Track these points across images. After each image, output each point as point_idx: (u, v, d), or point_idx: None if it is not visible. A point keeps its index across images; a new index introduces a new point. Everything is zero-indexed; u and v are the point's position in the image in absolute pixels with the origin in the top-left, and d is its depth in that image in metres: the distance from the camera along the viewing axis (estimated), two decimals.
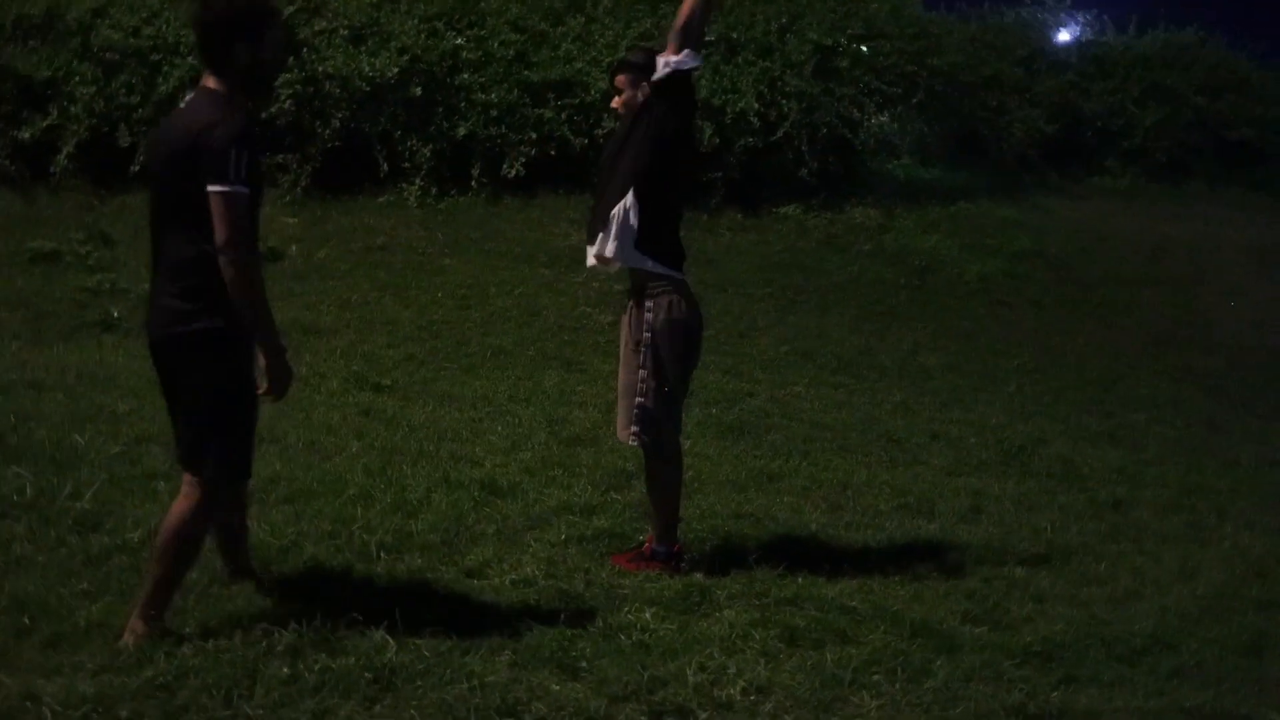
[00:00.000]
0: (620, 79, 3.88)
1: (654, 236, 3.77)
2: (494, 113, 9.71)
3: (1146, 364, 8.51)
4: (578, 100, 9.92)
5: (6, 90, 8.94)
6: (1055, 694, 3.20)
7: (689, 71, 3.79)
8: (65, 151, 8.78)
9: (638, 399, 3.79)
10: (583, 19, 10.64)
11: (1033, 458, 6.01)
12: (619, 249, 3.74)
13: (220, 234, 2.82)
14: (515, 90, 9.82)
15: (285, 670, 2.85)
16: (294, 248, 8.64)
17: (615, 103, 3.93)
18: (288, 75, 9.31)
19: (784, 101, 10.33)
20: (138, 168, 8.51)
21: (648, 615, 3.44)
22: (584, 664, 3.09)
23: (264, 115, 9.23)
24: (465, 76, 9.80)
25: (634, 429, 3.80)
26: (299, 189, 9.37)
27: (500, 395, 6.20)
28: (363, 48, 9.67)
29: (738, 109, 10.01)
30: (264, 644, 2.95)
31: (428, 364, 6.78)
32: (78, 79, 8.97)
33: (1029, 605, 3.90)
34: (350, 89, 9.38)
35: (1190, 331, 9.35)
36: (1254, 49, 14.79)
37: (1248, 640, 3.73)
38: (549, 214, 9.70)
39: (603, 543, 4.06)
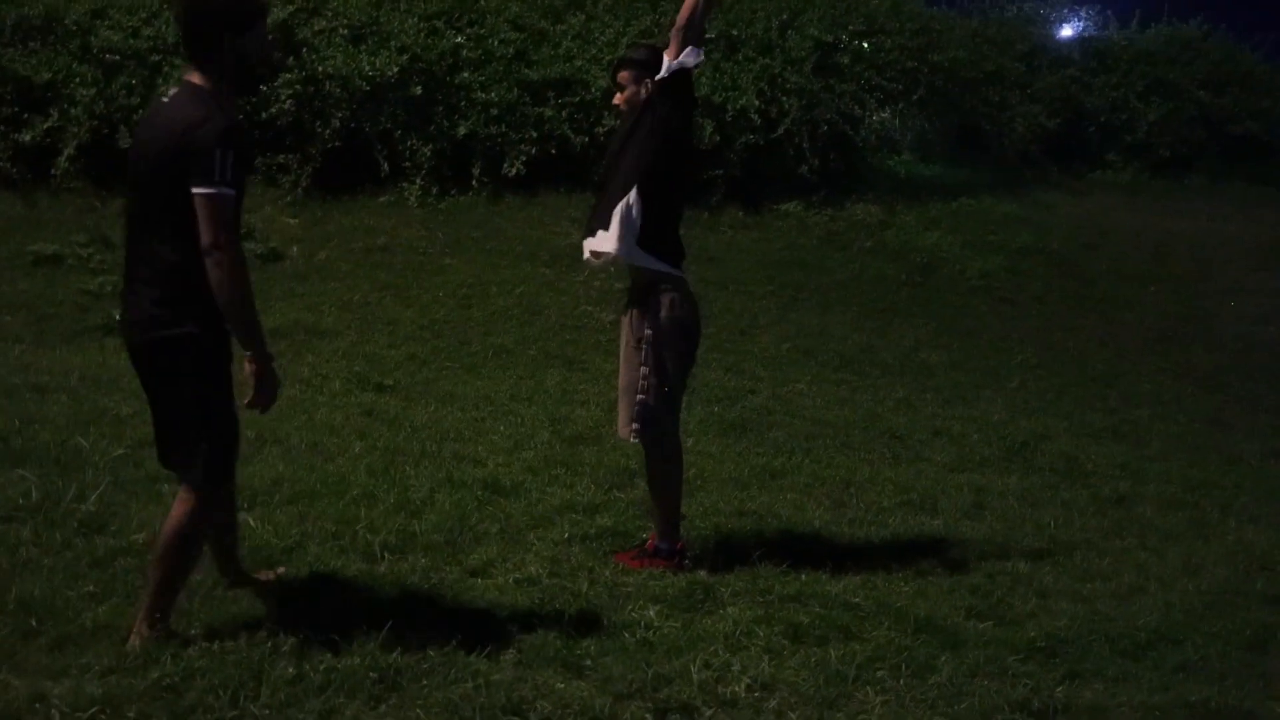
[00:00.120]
0: (623, 75, 3.88)
1: (656, 234, 3.77)
2: (494, 111, 9.70)
3: (1149, 360, 8.50)
4: (578, 98, 9.91)
5: (7, 93, 8.94)
6: (1059, 689, 3.21)
7: (692, 69, 3.80)
8: (66, 154, 8.78)
9: (639, 396, 3.79)
10: (583, 17, 10.63)
11: (1035, 454, 6.01)
12: (622, 246, 3.75)
13: (206, 235, 2.74)
14: (515, 89, 9.81)
15: (291, 670, 2.86)
16: (295, 248, 8.64)
17: (617, 99, 3.93)
18: (288, 75, 9.31)
19: (785, 98, 10.32)
20: None
21: (652, 613, 3.44)
22: (589, 662, 3.09)
23: (264, 116, 9.26)
24: (465, 75, 9.79)
25: (635, 426, 3.81)
26: (299, 189, 9.37)
27: (502, 394, 6.20)
28: (363, 47, 9.66)
29: (738, 106, 10.00)
30: (269, 645, 2.95)
31: (430, 364, 6.79)
32: (78, 81, 8.97)
33: (1033, 601, 3.90)
34: (350, 88, 9.38)
35: (1193, 327, 9.34)
36: (1258, 43, 14.78)
37: (1252, 635, 3.73)
38: (550, 213, 9.70)
39: (606, 541, 4.06)
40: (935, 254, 10.02)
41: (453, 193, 9.77)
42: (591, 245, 3.84)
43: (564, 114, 9.85)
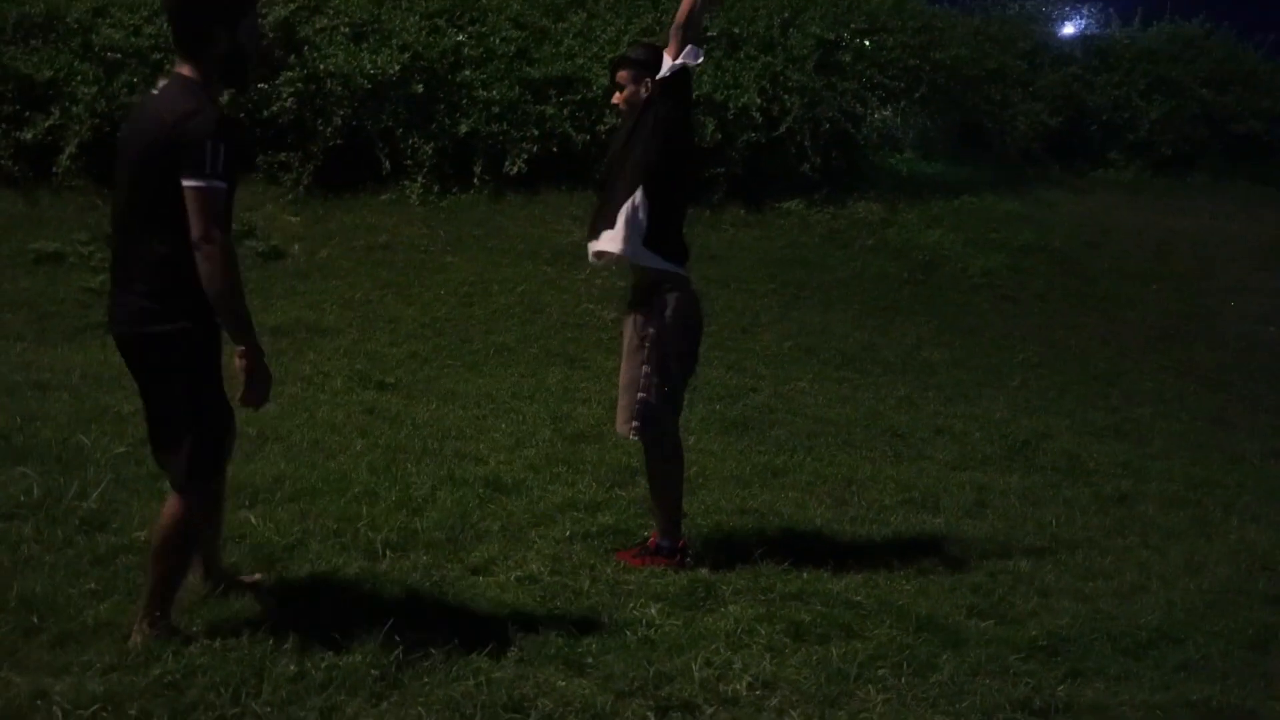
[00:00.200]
0: (622, 74, 3.88)
1: (660, 233, 3.77)
2: (496, 109, 9.69)
3: (1151, 358, 8.49)
4: (579, 97, 9.91)
5: (8, 91, 8.94)
6: (1061, 688, 3.21)
7: (692, 68, 3.80)
8: (68, 152, 8.78)
9: (639, 394, 3.79)
10: (584, 15, 10.62)
11: (1037, 452, 6.01)
12: (627, 246, 3.74)
13: (196, 228, 2.70)
14: (517, 87, 9.81)
15: (292, 668, 2.86)
16: (296, 246, 8.64)
17: (617, 99, 3.92)
18: (289, 73, 9.31)
19: (786, 96, 10.31)
20: None
21: (653, 611, 3.44)
22: (590, 660, 3.09)
23: (266, 114, 9.25)
24: (467, 73, 9.79)
25: (634, 424, 3.81)
26: (301, 187, 9.37)
27: (504, 392, 6.20)
28: (364, 45, 9.66)
29: (740, 104, 9.99)
30: (271, 642, 2.95)
31: (431, 362, 6.78)
32: (79, 79, 8.96)
33: (1034, 599, 3.90)
34: (352, 87, 9.37)
35: (1195, 326, 9.33)
36: (1261, 41, 14.74)
37: (1254, 634, 3.72)
38: (551, 211, 9.69)
39: (607, 539, 4.06)
40: (937, 252, 10.01)
41: (454, 191, 9.76)
42: (596, 246, 3.84)
43: (565, 112, 9.84)
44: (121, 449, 4.43)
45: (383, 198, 9.57)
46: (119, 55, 9.16)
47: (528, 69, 9.95)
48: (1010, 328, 8.81)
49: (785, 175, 10.47)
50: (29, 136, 8.83)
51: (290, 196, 9.32)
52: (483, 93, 9.70)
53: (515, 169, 9.68)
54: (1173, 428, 6.89)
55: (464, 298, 8.03)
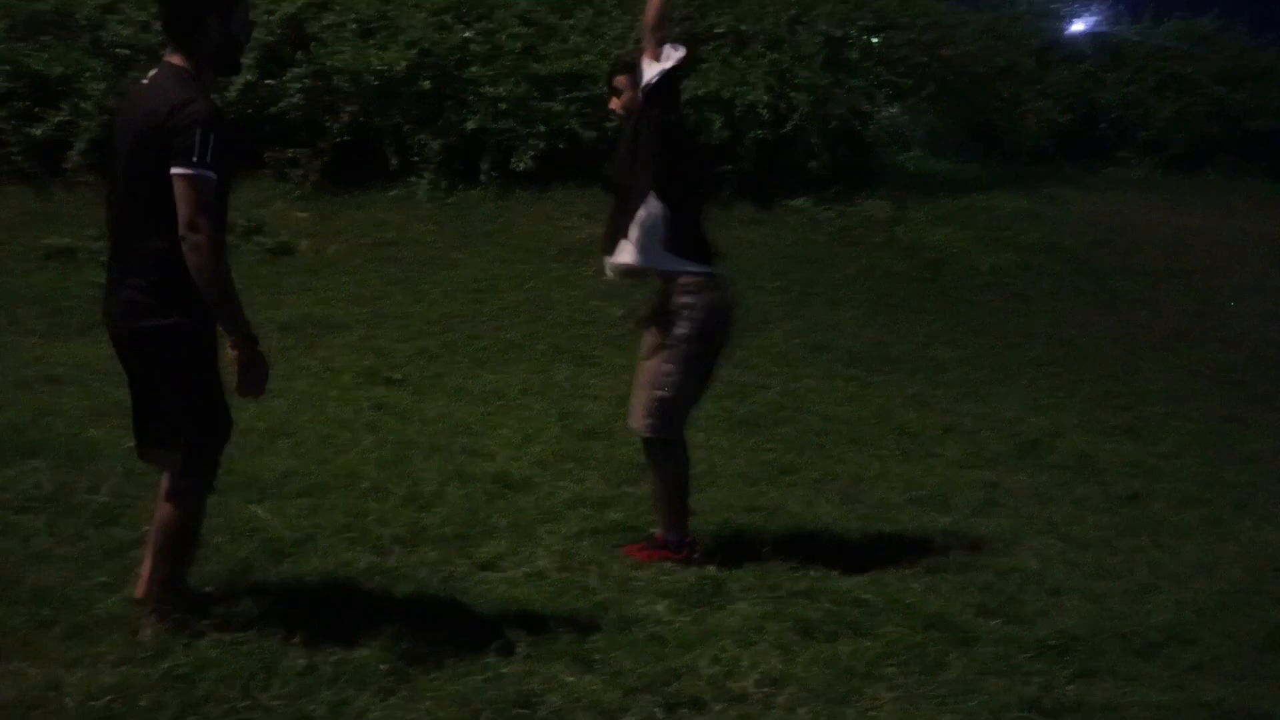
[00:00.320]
0: (619, 80, 3.87)
1: (681, 236, 3.76)
2: (503, 106, 9.69)
3: (1163, 357, 8.45)
4: (587, 93, 9.88)
5: (19, 87, 8.97)
6: (1071, 687, 3.19)
7: (678, 67, 3.77)
8: (78, 148, 8.80)
9: (659, 392, 3.78)
10: (591, 11, 10.60)
11: (1048, 451, 5.98)
12: (646, 255, 3.74)
13: (183, 217, 2.67)
14: (524, 83, 9.80)
15: (302, 662, 2.87)
16: (304, 242, 8.65)
17: (614, 104, 3.91)
18: (297, 69, 9.32)
19: (794, 94, 10.28)
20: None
21: (661, 608, 3.44)
22: (598, 656, 3.09)
23: (274, 110, 9.27)
24: (474, 70, 9.78)
25: (649, 420, 3.81)
26: (309, 183, 9.38)
27: (512, 389, 6.20)
28: (372, 41, 9.66)
29: (748, 101, 9.97)
30: (281, 636, 2.96)
31: (440, 358, 6.79)
32: (89, 75, 8.99)
33: (1044, 598, 3.88)
34: (360, 83, 9.37)
35: (1208, 325, 9.28)
36: (1275, 37, 14.62)
37: (1266, 635, 3.71)
38: (559, 207, 9.69)
39: (616, 536, 4.06)
40: (946, 250, 9.98)
41: (462, 187, 9.77)
42: (614, 259, 3.84)
43: (573, 108, 9.83)
44: (132, 443, 4.43)
45: (391, 194, 9.57)
46: (129, 51, 9.19)
47: (535, 65, 9.94)
48: (1020, 326, 8.78)
49: (793, 173, 10.43)
50: (40, 132, 8.86)
51: (298, 193, 9.33)
52: (490, 89, 9.69)
53: (523, 165, 9.67)
54: (1185, 427, 6.85)
55: (472, 294, 8.03)
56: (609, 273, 3.90)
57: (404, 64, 9.43)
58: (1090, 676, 3.29)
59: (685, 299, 3.77)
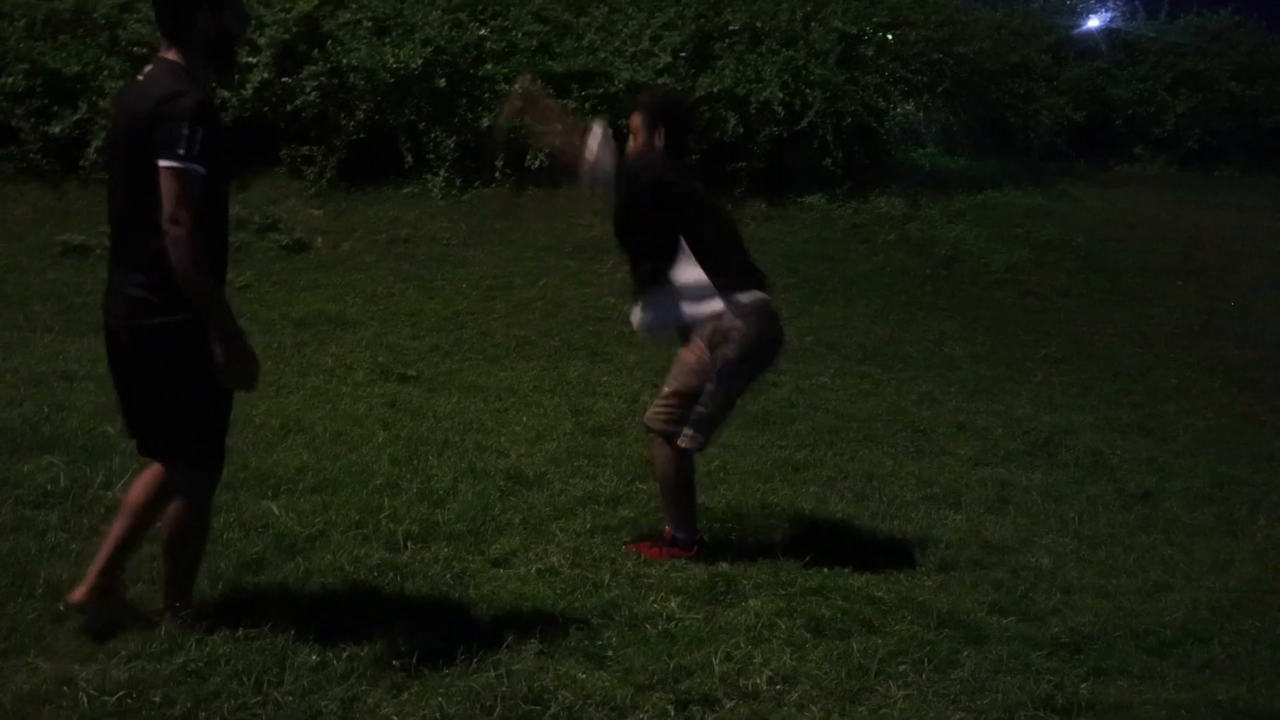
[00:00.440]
0: (634, 119, 3.87)
1: (713, 270, 3.75)
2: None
3: (1177, 355, 8.40)
4: (601, 91, 9.89)
5: (37, 85, 9.03)
6: (1084, 686, 3.18)
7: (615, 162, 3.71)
8: (94, 145, 8.85)
9: (699, 408, 3.78)
10: (606, 9, 10.60)
11: (1060, 448, 5.96)
12: (671, 313, 3.79)
13: (166, 209, 2.63)
14: (539, 81, 9.79)
15: (314, 658, 2.88)
16: (319, 239, 8.69)
17: (630, 146, 3.88)
18: (313, 67, 9.35)
19: (808, 90, 10.25)
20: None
21: (673, 605, 3.44)
22: (610, 653, 3.09)
23: (289, 107, 9.30)
24: (489, 67, 9.80)
25: (690, 433, 3.80)
26: (324, 181, 9.42)
27: (525, 386, 6.22)
28: (387, 39, 9.69)
29: (762, 98, 9.95)
30: (293, 631, 2.97)
31: (453, 355, 6.81)
32: (106, 73, 9.05)
33: (1057, 596, 3.87)
34: (375, 80, 9.40)
35: (1222, 322, 9.22)
36: None
37: None
38: (573, 205, 9.68)
39: (628, 533, 4.06)
40: (960, 247, 9.94)
41: (476, 184, 9.79)
42: (639, 321, 3.88)
43: (587, 106, 9.83)
44: None
45: (405, 191, 9.60)
46: (146, 50, 9.21)
47: (550, 63, 9.94)
48: (1033, 323, 8.74)
49: (807, 170, 10.42)
50: (57, 130, 8.92)
51: (313, 190, 9.37)
52: (505, 86, 9.69)
53: (536, 163, 9.68)
54: (1198, 424, 6.82)
55: (485, 291, 8.04)
56: (641, 336, 3.95)
57: (419, 62, 9.46)
58: (1103, 675, 3.28)
59: (736, 323, 3.76)
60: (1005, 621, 3.59)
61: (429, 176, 9.67)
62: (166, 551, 2.98)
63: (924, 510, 4.72)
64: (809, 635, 3.33)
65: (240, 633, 2.95)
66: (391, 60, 9.41)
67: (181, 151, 2.64)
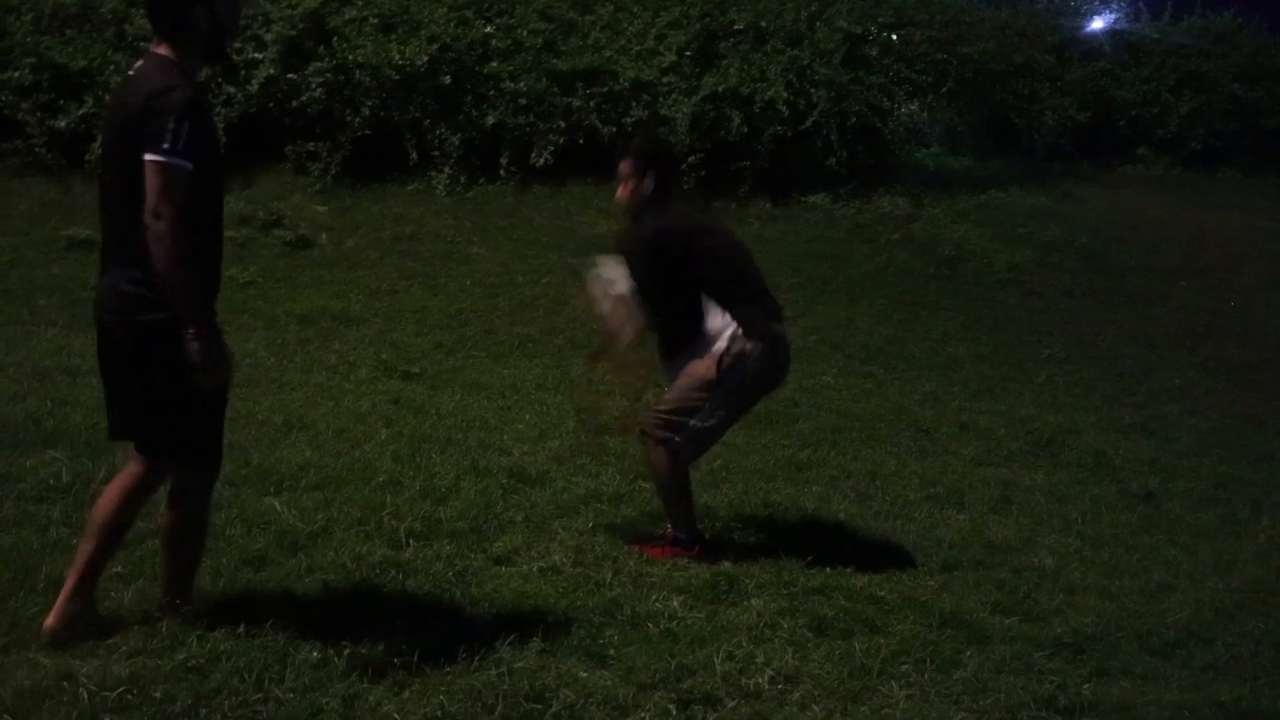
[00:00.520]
0: (624, 166, 3.86)
1: (736, 306, 3.81)
2: (523, 101, 9.71)
3: (1180, 356, 8.39)
4: (606, 89, 9.90)
5: (43, 79, 9.06)
6: (1086, 686, 3.18)
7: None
8: (100, 140, 8.87)
9: (693, 421, 3.78)
10: (611, 7, 10.61)
11: (1063, 449, 5.96)
12: (695, 352, 3.82)
13: (149, 203, 2.61)
14: (544, 79, 9.81)
15: (315, 655, 2.88)
16: (324, 236, 8.69)
17: (620, 193, 3.89)
18: (318, 64, 9.36)
19: (813, 90, 10.26)
20: None
21: (675, 604, 3.44)
22: (612, 652, 3.09)
23: (295, 104, 9.31)
24: (494, 65, 9.81)
25: (673, 436, 3.80)
26: (329, 177, 9.43)
27: (528, 383, 6.22)
28: (393, 36, 9.70)
29: (767, 98, 9.95)
30: (294, 629, 2.97)
31: (456, 352, 6.81)
32: (112, 68, 9.06)
33: (1059, 597, 3.87)
34: (380, 78, 9.41)
35: (1225, 323, 9.21)
36: None
37: None
38: (577, 203, 9.70)
39: (630, 531, 4.06)
40: (963, 247, 9.94)
41: (481, 182, 9.79)
42: (672, 365, 3.91)
43: (592, 104, 9.83)
44: None
45: (409, 188, 9.61)
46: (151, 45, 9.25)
47: (555, 61, 9.95)
48: (1036, 323, 8.74)
49: (811, 169, 10.42)
50: (63, 124, 8.94)
51: (318, 186, 9.38)
52: (510, 84, 9.71)
53: (541, 161, 9.69)
54: (1201, 425, 6.81)
55: (489, 289, 8.05)
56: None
57: (424, 59, 9.47)
58: (1106, 675, 3.27)
59: (748, 347, 3.78)
60: (1008, 622, 3.59)
61: (433, 173, 9.68)
62: (165, 548, 2.98)
63: (927, 510, 4.71)
64: (811, 635, 3.33)
65: (241, 629, 2.95)
66: (397, 57, 9.42)
67: (166, 146, 2.62)
